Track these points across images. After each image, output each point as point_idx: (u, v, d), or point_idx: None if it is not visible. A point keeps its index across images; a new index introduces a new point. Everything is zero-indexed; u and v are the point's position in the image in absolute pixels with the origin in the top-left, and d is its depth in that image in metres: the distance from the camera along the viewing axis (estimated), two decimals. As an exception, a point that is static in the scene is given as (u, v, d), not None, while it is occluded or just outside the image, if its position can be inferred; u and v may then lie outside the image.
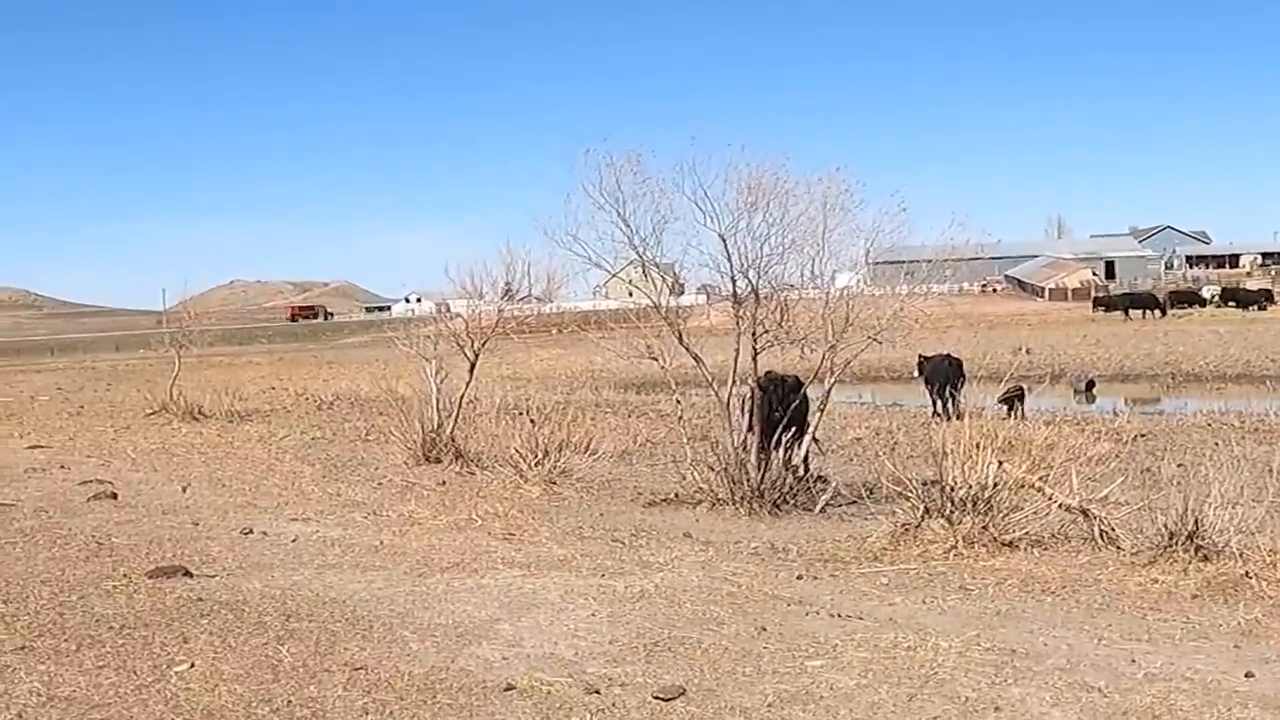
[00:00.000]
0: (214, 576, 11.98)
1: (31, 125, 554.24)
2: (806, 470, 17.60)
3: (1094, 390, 39.04)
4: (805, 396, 18.00)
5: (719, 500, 16.84)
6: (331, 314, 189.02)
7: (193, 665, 8.64)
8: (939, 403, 29.53)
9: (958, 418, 21.98)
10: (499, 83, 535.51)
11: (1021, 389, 28.73)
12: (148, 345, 65.82)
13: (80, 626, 9.80)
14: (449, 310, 29.29)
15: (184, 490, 18.82)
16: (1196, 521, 12.14)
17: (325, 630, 9.70)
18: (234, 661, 8.76)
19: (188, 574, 11.87)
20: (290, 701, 7.91)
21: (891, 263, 19.83)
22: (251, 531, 14.73)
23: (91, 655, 8.92)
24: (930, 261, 18.20)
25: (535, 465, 19.12)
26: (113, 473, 20.99)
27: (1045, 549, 13.15)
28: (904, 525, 13.90)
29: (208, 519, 15.86)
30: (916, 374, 31.86)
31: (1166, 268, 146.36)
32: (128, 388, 45.95)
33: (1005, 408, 25.53)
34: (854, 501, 16.51)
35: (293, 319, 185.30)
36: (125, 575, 11.84)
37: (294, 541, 14.16)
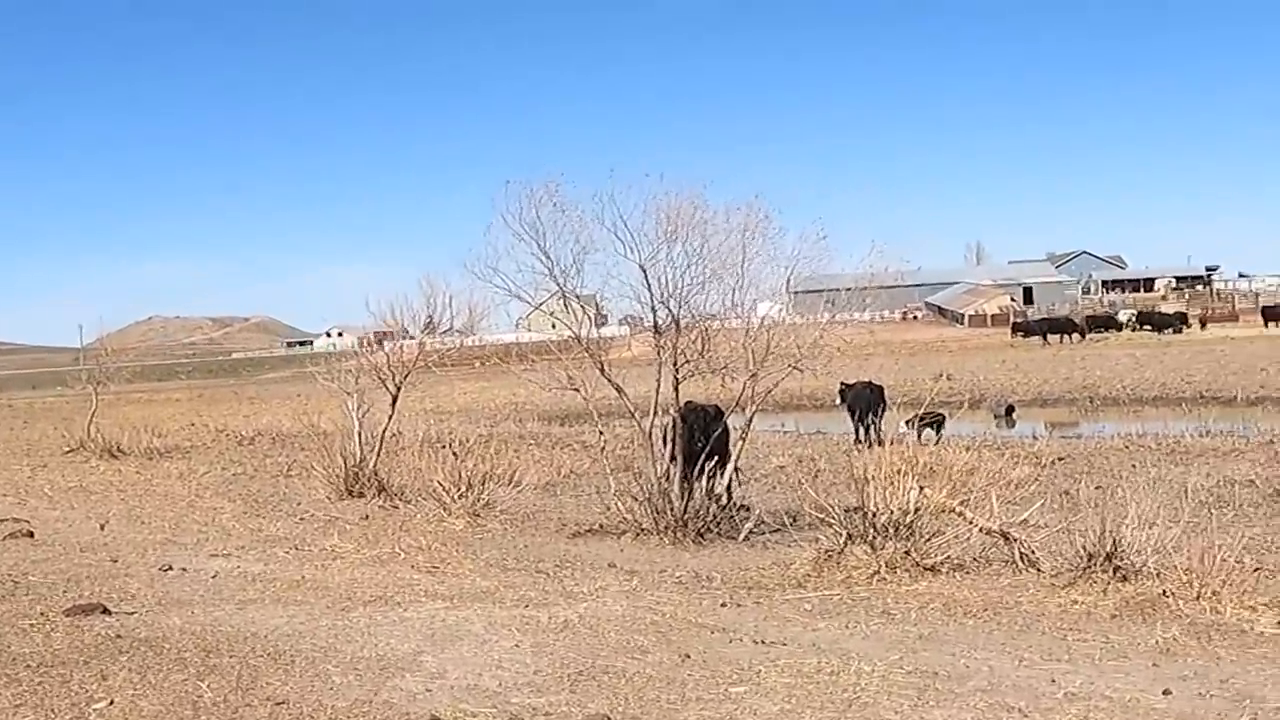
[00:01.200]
0: (133, 614, 11.84)
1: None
2: (729, 499, 17.67)
3: (1014, 415, 39.48)
4: (727, 425, 18.08)
5: (643, 530, 16.88)
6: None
7: (112, 703, 8.54)
8: (861, 429, 29.73)
9: (879, 444, 22.13)
10: (420, 115, 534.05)
11: (941, 415, 28.99)
12: (64, 382, 64.95)
13: (-4, 666, 9.66)
14: (371, 345, 29.12)
15: (102, 528, 18.60)
16: (1114, 542, 12.31)
17: (246, 666, 9.61)
18: (154, 698, 8.66)
19: (106, 611, 11.72)
20: (211, 738, 7.84)
21: (812, 291, 19.94)
22: (171, 568, 14.58)
23: (9, 695, 8.79)
24: (850, 289, 18.34)
25: (459, 498, 19.06)
26: (29, 511, 20.71)
27: (967, 573, 13.28)
28: (827, 551, 13.98)
29: (126, 556, 15.68)
30: (839, 401, 32.00)
31: (1084, 292, 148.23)
32: (44, 425, 45.37)
33: (916, 431, 25.86)
34: (777, 529, 16.58)
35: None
36: (42, 613, 11.67)
37: (214, 577, 14.03)
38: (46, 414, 55.71)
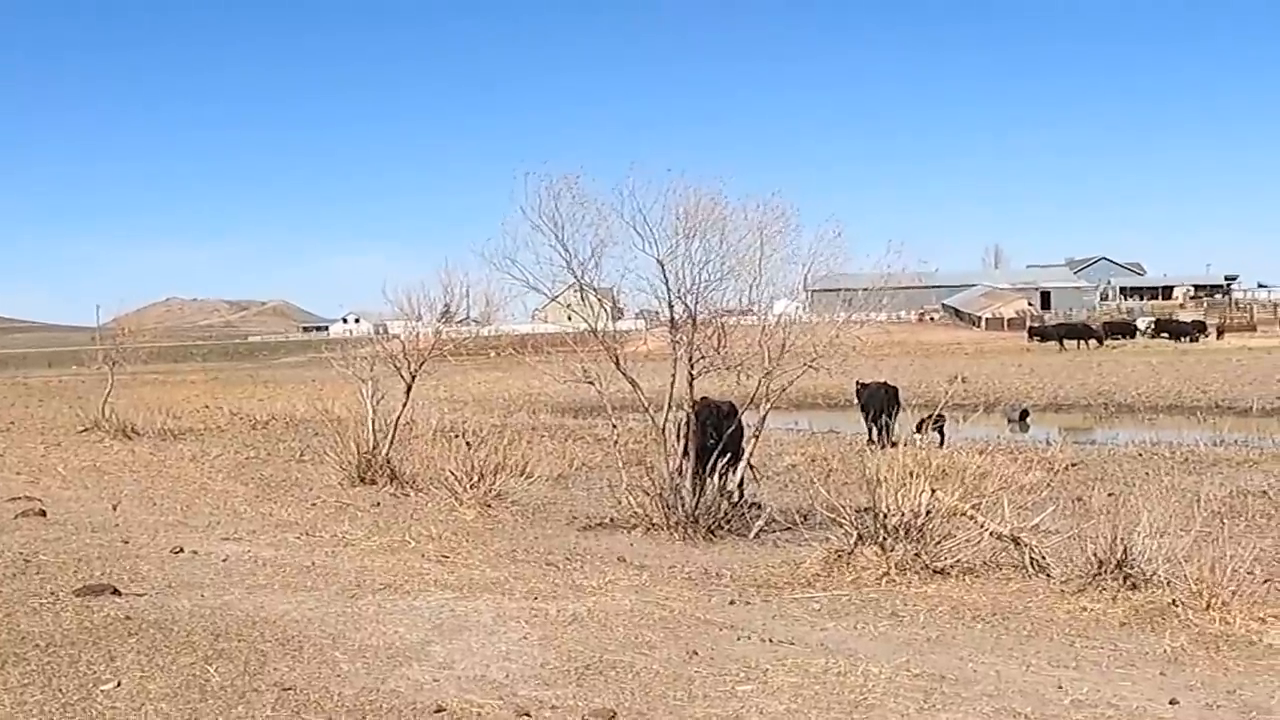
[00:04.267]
0: (143, 595, 11.85)
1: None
2: (741, 496, 17.67)
3: (1028, 419, 39.31)
4: (740, 422, 18.07)
5: (654, 525, 16.87)
6: None
7: (119, 684, 8.55)
8: (874, 430, 29.70)
9: (892, 445, 22.10)
10: (442, 106, 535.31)
11: (943, 416, 28.92)
12: (81, 362, 65.25)
13: (6, 644, 9.66)
14: (386, 331, 29.16)
15: (114, 508, 18.62)
16: (1125, 550, 12.27)
17: (255, 650, 9.62)
18: (161, 680, 8.67)
19: (116, 592, 11.74)
20: (218, 721, 7.85)
21: (829, 290, 19.92)
22: (182, 550, 14.59)
23: (17, 673, 8.81)
24: (867, 289, 18.30)
25: (470, 488, 19.07)
26: (42, 490, 20.76)
27: (976, 576, 13.25)
28: (837, 552, 13.95)
29: (138, 537, 15.69)
30: (857, 400, 31.93)
31: (1101, 299, 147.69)
32: (59, 404, 45.47)
33: (920, 434, 25.80)
34: (788, 528, 16.56)
35: None
36: (52, 593, 11.69)
37: (225, 561, 14.04)
38: (62, 392, 55.86)
